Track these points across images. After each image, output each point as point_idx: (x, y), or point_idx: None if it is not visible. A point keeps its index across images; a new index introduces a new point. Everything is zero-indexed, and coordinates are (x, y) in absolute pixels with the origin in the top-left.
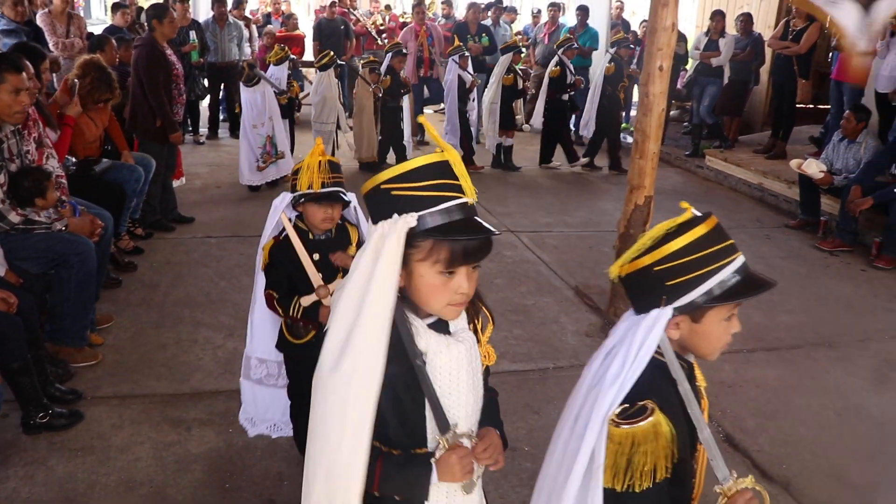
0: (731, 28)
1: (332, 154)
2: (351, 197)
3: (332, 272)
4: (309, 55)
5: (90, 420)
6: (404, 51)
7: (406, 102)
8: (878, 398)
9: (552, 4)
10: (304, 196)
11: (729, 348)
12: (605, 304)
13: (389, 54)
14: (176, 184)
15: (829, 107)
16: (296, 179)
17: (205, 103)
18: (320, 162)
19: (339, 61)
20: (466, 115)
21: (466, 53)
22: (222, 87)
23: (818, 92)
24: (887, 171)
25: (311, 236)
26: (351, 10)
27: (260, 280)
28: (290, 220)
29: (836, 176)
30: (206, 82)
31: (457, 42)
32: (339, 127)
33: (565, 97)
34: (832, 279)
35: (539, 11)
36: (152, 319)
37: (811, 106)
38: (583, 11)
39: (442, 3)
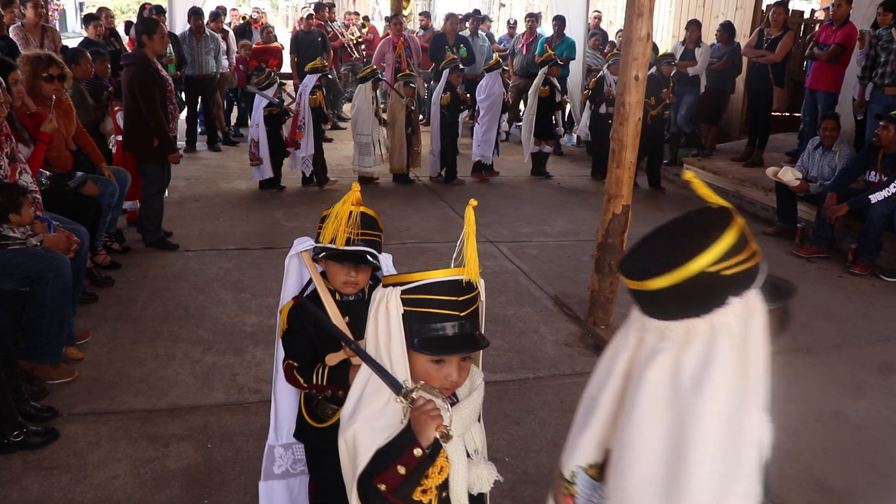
0: (708, 37)
1: (374, 165)
2: (385, 259)
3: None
4: (287, 67)
5: (66, 438)
6: (461, 66)
7: (461, 117)
8: (856, 403)
9: (529, 15)
10: (325, 251)
11: None
12: (584, 313)
13: (447, 70)
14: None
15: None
16: (321, 227)
17: (182, 116)
18: (351, 213)
19: (379, 76)
20: (457, 127)
21: (461, 67)
22: (200, 99)
23: (794, 100)
24: (861, 177)
25: (337, 297)
26: (328, 22)
27: (280, 350)
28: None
29: (812, 183)
30: (183, 95)
31: (449, 56)
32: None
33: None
34: (809, 285)
35: (515, 22)
36: (130, 334)
37: (787, 114)
38: (559, 21)
39: (420, 14)
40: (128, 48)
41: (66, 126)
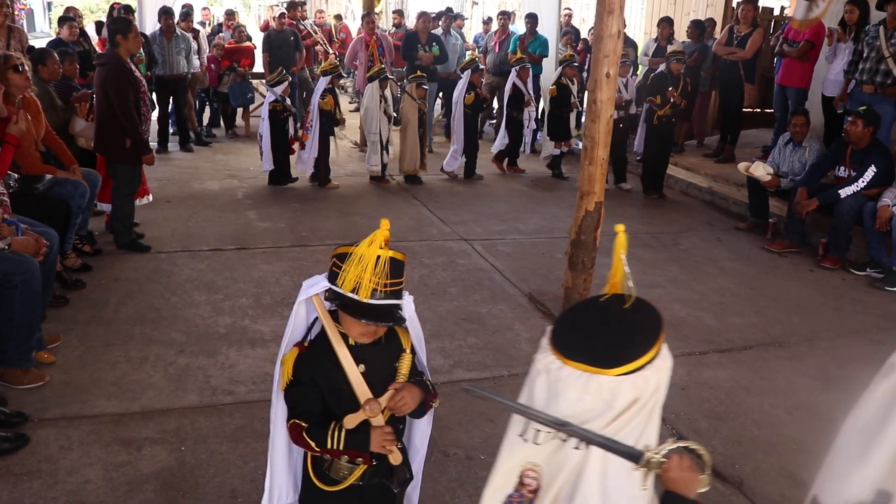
0: (680, 35)
1: (384, 164)
2: (408, 303)
3: (381, 387)
4: (259, 67)
5: (36, 443)
6: (482, 66)
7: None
8: (827, 396)
9: (502, 13)
10: (344, 301)
11: (681, 351)
12: (558, 310)
13: (468, 71)
14: (143, 201)
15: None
16: (339, 267)
17: (153, 117)
18: (379, 258)
19: (387, 75)
20: (478, 125)
21: (482, 67)
22: (171, 100)
23: (765, 96)
24: (831, 173)
25: (351, 341)
26: (300, 21)
27: (280, 406)
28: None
29: (783, 179)
30: (154, 96)
31: (470, 56)
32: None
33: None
34: (781, 280)
35: (490, 20)
36: (101, 338)
37: (758, 110)
38: (532, 19)
39: (393, 12)
40: (97, 48)
41: (35, 128)
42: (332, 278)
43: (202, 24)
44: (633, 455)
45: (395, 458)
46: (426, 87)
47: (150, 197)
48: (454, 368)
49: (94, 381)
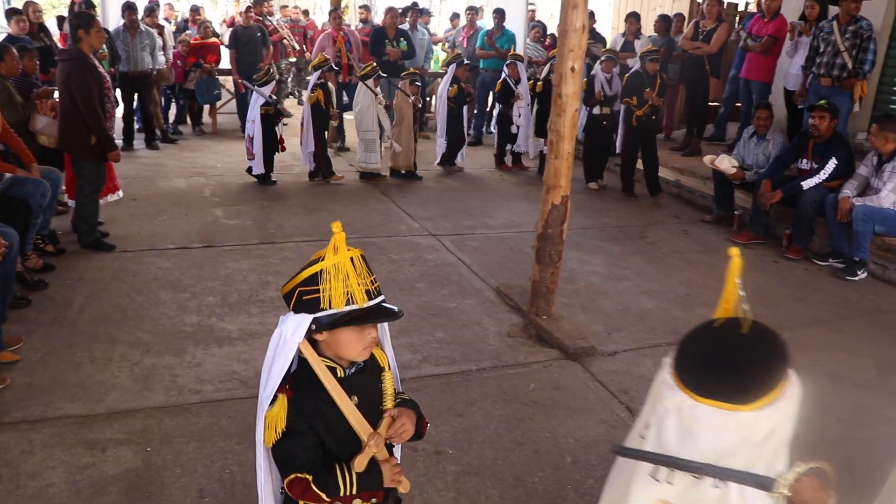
0: (647, 29)
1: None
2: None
3: (374, 415)
4: (226, 63)
5: None
6: (466, 62)
7: (465, 110)
8: None
9: (470, 8)
10: (348, 317)
11: (648, 343)
12: (526, 304)
13: (453, 65)
14: (113, 198)
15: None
16: (313, 290)
17: (118, 114)
18: (353, 259)
19: (380, 73)
20: (461, 119)
21: (466, 62)
22: (136, 97)
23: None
24: (794, 165)
25: (340, 373)
26: (266, 17)
27: (266, 463)
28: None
29: (748, 171)
30: (118, 93)
31: (455, 51)
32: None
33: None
34: (747, 271)
35: (457, 15)
36: (65, 339)
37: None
38: (499, 14)
39: (359, 7)
40: (59, 44)
41: None
42: (314, 306)
43: (167, 20)
44: (765, 484)
45: (405, 487)
46: (419, 83)
47: (121, 193)
48: (422, 364)
49: (57, 382)
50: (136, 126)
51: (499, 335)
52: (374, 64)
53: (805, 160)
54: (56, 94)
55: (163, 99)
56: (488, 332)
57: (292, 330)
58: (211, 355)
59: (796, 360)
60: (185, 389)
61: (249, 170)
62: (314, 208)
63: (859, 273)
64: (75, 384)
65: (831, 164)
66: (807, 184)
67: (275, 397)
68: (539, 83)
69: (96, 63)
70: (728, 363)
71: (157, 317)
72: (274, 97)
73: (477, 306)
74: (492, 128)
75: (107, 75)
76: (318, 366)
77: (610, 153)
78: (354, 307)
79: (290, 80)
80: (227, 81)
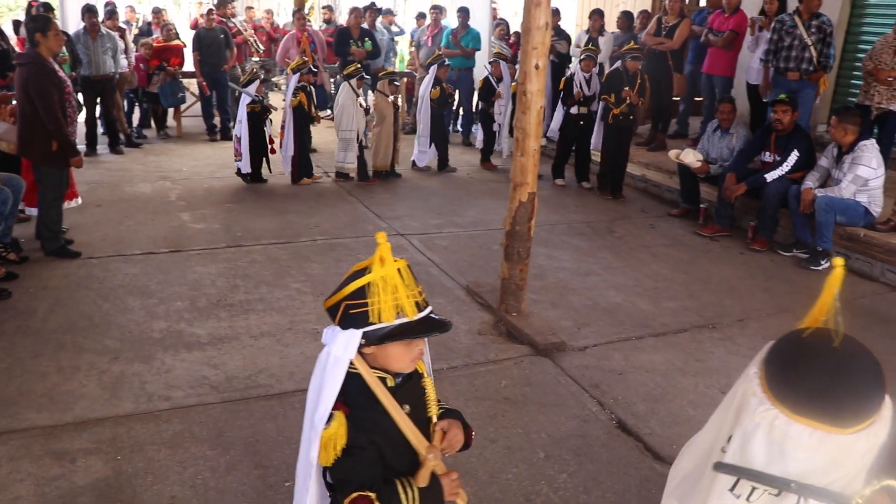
0: (610, 26)
1: (362, 159)
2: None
3: (421, 424)
4: (189, 65)
5: None
6: (447, 62)
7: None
8: None
9: (434, 7)
10: (399, 331)
11: (617, 336)
12: (496, 301)
13: (434, 66)
14: (72, 204)
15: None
16: (360, 304)
17: (80, 119)
18: (400, 270)
19: (363, 74)
20: (443, 118)
21: (447, 62)
22: (98, 101)
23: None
24: (757, 158)
25: (389, 383)
26: (230, 18)
27: (315, 487)
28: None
29: (712, 165)
30: (80, 97)
31: (437, 52)
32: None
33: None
34: (713, 263)
35: (423, 14)
36: (30, 348)
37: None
38: (463, 13)
39: (323, 8)
40: (17, 48)
41: None
42: (362, 320)
43: (128, 23)
44: (843, 501)
45: (464, 500)
46: (398, 83)
47: (80, 200)
48: None
49: (23, 393)
50: (99, 131)
51: (469, 333)
52: (358, 65)
53: (768, 153)
54: (15, 100)
55: (126, 103)
56: (459, 330)
57: (343, 348)
58: (181, 361)
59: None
60: (155, 396)
61: (239, 172)
62: (281, 210)
63: (823, 262)
64: (42, 394)
65: (793, 157)
66: (770, 176)
67: (329, 416)
68: (513, 84)
69: (56, 67)
70: (831, 384)
71: (124, 323)
72: (260, 95)
73: (447, 305)
74: (458, 126)
75: (67, 79)
76: (372, 379)
77: (588, 153)
78: (404, 320)
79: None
80: (192, 84)
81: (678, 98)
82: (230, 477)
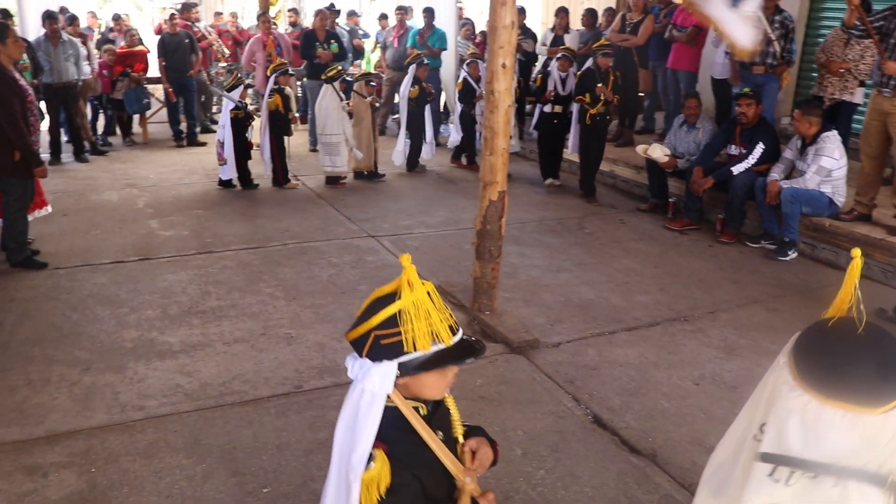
0: (575, 24)
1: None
2: None
3: (450, 446)
4: (154, 71)
5: None
6: (426, 61)
7: (428, 109)
8: (730, 364)
9: (399, 8)
10: (436, 359)
11: (590, 332)
12: (468, 300)
13: (413, 66)
14: (41, 213)
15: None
16: (393, 334)
17: (43, 127)
18: (429, 293)
19: (346, 77)
20: (423, 119)
21: (426, 62)
22: (62, 108)
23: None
24: (723, 151)
25: (422, 411)
26: (193, 23)
27: None
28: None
29: (680, 159)
30: (42, 105)
31: (415, 52)
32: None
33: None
34: (683, 257)
35: (385, 16)
36: None
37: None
38: (429, 13)
39: (288, 11)
40: None
41: None
42: (396, 351)
43: (90, 28)
44: (878, 480)
45: None
46: (374, 84)
47: (49, 208)
48: None
49: None
50: (63, 139)
51: None
52: (340, 67)
53: (734, 146)
54: None
55: (90, 110)
56: None
57: (378, 383)
58: (153, 370)
59: (734, 340)
60: (129, 406)
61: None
62: (251, 215)
63: (790, 253)
64: (11, 408)
65: (759, 149)
66: (736, 169)
67: (369, 455)
68: (458, 81)
69: (16, 75)
70: (857, 366)
71: (94, 334)
72: (243, 101)
73: None
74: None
75: (29, 88)
76: (409, 411)
77: (561, 152)
78: (441, 346)
79: (224, 84)
80: (157, 90)
81: (643, 94)
82: (207, 485)
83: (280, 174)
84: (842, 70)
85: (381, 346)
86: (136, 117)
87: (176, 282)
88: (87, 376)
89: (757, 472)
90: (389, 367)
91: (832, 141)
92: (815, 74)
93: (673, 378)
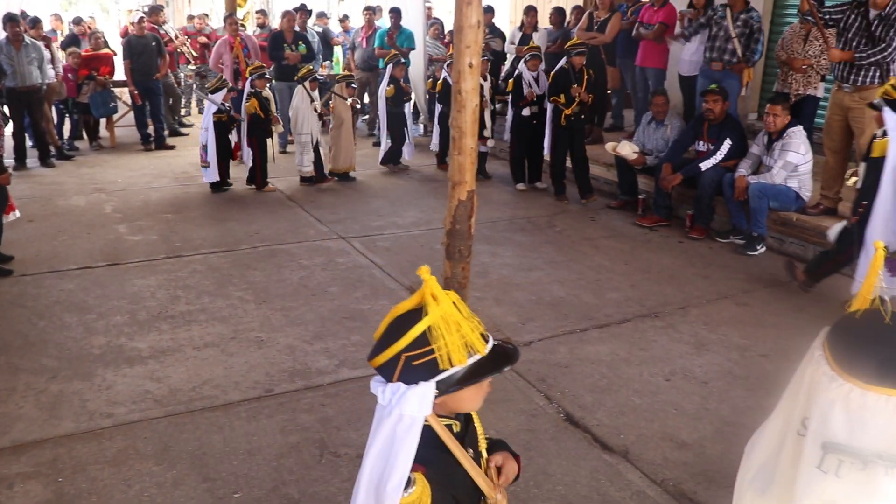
0: (543, 22)
1: (318, 163)
2: None
3: (478, 464)
4: (120, 74)
5: None
6: (402, 60)
7: (408, 108)
8: (701, 359)
9: (367, 8)
10: (474, 372)
11: (562, 330)
12: None
13: (391, 65)
14: (9, 218)
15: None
16: (426, 353)
17: (7, 131)
18: (455, 304)
19: (317, 76)
20: (404, 117)
21: (403, 61)
22: (26, 113)
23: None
24: (692, 148)
25: (455, 429)
26: (161, 26)
27: None
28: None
29: (649, 156)
30: (6, 110)
31: (393, 51)
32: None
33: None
34: (653, 253)
35: (346, 17)
36: None
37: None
38: (395, 13)
39: (256, 13)
40: None
41: None
42: (432, 369)
43: (54, 31)
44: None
45: None
46: (355, 85)
47: (18, 213)
48: (339, 368)
49: None
50: (28, 143)
51: None
52: (311, 67)
53: (702, 142)
54: None
55: (56, 114)
56: None
57: (417, 406)
58: (122, 376)
59: (704, 335)
60: (97, 414)
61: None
62: (220, 218)
63: (759, 247)
64: None
65: (726, 145)
66: (705, 165)
67: (407, 480)
68: (438, 82)
69: None
70: (878, 347)
71: (62, 341)
72: (226, 104)
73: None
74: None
75: None
76: (444, 431)
77: (541, 154)
78: (477, 357)
79: (194, 86)
80: (124, 93)
81: (612, 91)
82: (177, 492)
83: (259, 177)
84: (805, 66)
85: (413, 367)
86: (103, 121)
87: (145, 287)
88: (53, 384)
89: (805, 466)
90: (427, 388)
91: (798, 136)
92: (778, 71)
93: (644, 374)
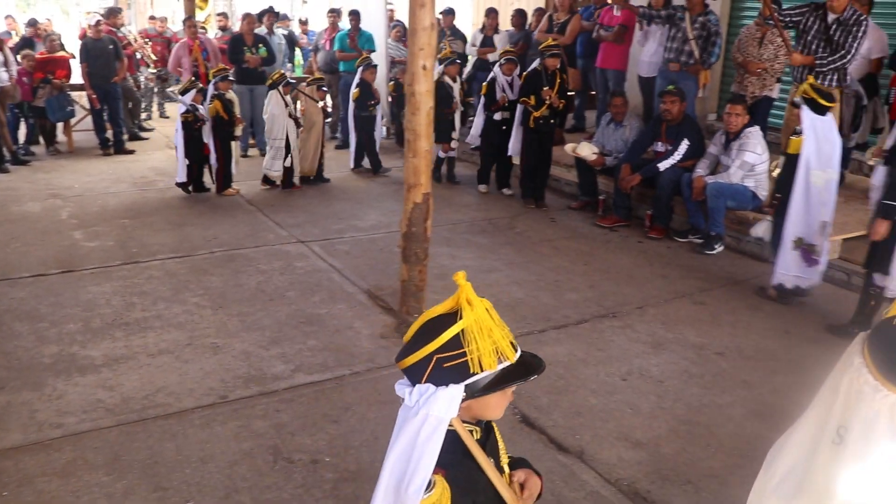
0: (505, 24)
1: (290, 168)
2: None
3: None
4: (77, 77)
5: None
6: (374, 63)
7: (378, 112)
8: (657, 359)
9: (331, 10)
10: (502, 378)
11: (519, 331)
12: (396, 303)
13: (361, 68)
14: None
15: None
16: (458, 355)
17: None
18: (488, 310)
19: (289, 80)
20: (372, 120)
21: (374, 64)
22: None
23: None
24: (650, 148)
25: (476, 435)
26: (119, 29)
27: None
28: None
29: (608, 157)
30: None
31: (364, 54)
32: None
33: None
34: (613, 253)
35: (306, 20)
36: None
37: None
38: (355, 15)
39: (217, 15)
40: None
41: None
42: (462, 373)
43: (8, 33)
44: None
45: None
46: (325, 89)
47: None
48: (295, 373)
49: None
50: None
51: (371, 337)
52: (282, 71)
53: (660, 143)
54: None
55: (11, 118)
56: (361, 335)
57: (445, 408)
58: (74, 385)
59: (662, 334)
60: (46, 424)
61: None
62: (179, 223)
63: (716, 246)
64: None
65: (684, 145)
66: (663, 165)
67: (428, 482)
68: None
69: None
70: None
71: (11, 350)
72: (195, 105)
73: (348, 310)
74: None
75: None
76: (467, 435)
77: (509, 158)
78: (506, 364)
79: (154, 89)
80: (81, 97)
81: (574, 92)
82: (127, 502)
83: (220, 180)
84: (759, 70)
85: (443, 369)
86: (59, 125)
87: (100, 294)
88: (1, 395)
89: (844, 475)
90: (456, 391)
91: (755, 136)
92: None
93: (601, 374)
